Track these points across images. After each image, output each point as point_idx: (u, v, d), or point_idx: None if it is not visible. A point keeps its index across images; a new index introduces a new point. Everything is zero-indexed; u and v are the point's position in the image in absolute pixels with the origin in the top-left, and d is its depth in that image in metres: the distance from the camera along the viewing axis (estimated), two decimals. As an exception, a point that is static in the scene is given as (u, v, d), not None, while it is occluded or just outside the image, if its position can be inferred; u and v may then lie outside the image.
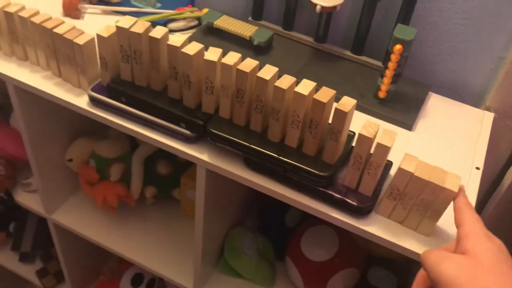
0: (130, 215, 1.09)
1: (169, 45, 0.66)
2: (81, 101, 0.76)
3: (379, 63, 0.88)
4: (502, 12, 0.79)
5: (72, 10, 0.91)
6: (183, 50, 0.65)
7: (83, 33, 0.74)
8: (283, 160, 0.65)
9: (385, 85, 0.79)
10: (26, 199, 1.11)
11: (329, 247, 0.91)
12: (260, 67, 0.64)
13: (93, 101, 0.75)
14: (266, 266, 0.97)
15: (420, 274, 0.53)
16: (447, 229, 0.64)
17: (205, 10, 0.94)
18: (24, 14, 0.76)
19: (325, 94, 0.61)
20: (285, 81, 0.62)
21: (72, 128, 1.00)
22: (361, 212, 0.64)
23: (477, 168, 0.74)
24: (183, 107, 0.71)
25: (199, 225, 0.82)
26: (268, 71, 0.63)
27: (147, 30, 0.68)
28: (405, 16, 0.81)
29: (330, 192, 0.64)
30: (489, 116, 0.84)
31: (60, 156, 1.00)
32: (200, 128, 0.69)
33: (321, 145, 0.66)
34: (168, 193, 1.05)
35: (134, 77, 0.73)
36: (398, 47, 0.73)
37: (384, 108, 0.80)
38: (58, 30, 0.74)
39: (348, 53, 0.90)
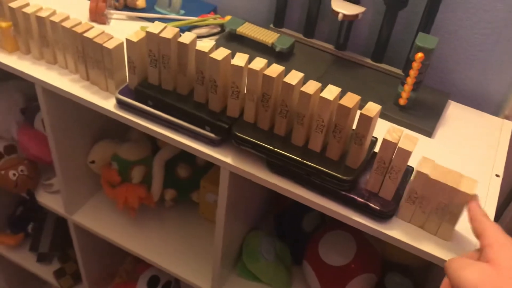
0: (149, 217, 1.11)
1: (198, 51, 0.68)
2: (109, 104, 0.78)
3: (399, 71, 0.89)
4: (523, 22, 0.80)
5: (98, 15, 0.94)
6: (211, 55, 0.67)
7: (112, 37, 0.76)
8: (306, 163, 0.66)
9: (406, 92, 0.80)
10: (47, 200, 1.13)
11: (346, 252, 0.91)
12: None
13: (120, 103, 0.77)
14: (283, 270, 0.98)
15: (444, 283, 0.54)
16: (466, 234, 0.65)
17: (228, 17, 0.96)
18: (55, 18, 0.79)
19: (350, 99, 0.62)
20: (311, 87, 0.64)
21: (95, 130, 1.02)
22: (383, 216, 0.65)
23: (497, 176, 0.75)
24: (209, 111, 0.73)
25: (219, 227, 0.83)
26: (294, 77, 0.65)
27: (176, 36, 0.70)
28: (426, 25, 0.83)
29: (352, 196, 0.65)
30: (508, 125, 0.85)
31: (82, 158, 1.02)
32: (225, 131, 0.71)
33: (345, 149, 0.67)
34: (187, 196, 1.06)
35: (161, 81, 0.75)
36: (420, 55, 0.75)
37: (405, 115, 0.81)
38: (88, 35, 0.76)
39: (368, 60, 0.91)
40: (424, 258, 0.64)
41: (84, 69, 0.81)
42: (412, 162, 0.65)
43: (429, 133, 0.80)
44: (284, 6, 0.96)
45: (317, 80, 0.65)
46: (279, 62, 0.88)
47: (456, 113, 0.86)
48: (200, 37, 0.95)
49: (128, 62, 0.74)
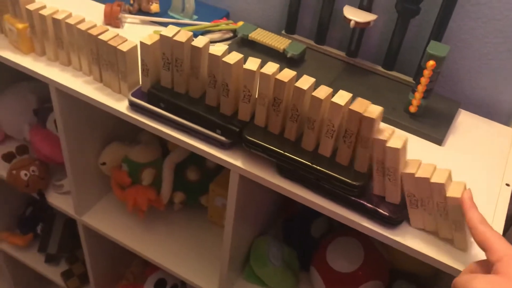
0: (158, 219, 1.11)
1: (210, 54, 0.69)
2: (121, 106, 0.79)
3: (410, 79, 0.89)
4: (535, 32, 0.81)
5: (113, 19, 0.95)
6: (224, 59, 0.68)
7: (126, 40, 0.77)
8: (316, 168, 0.66)
9: (416, 100, 0.80)
10: (57, 200, 1.14)
11: (354, 258, 0.91)
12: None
13: (133, 105, 0.78)
14: (291, 275, 0.98)
15: None
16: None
17: (240, 23, 0.97)
18: (71, 21, 0.80)
19: (361, 105, 0.62)
20: (322, 92, 0.64)
21: (105, 132, 1.03)
22: (392, 222, 0.65)
23: (507, 185, 0.74)
24: (220, 114, 0.73)
25: (228, 231, 0.83)
26: (305, 82, 0.65)
27: (190, 39, 0.71)
28: (437, 33, 0.83)
29: (362, 201, 0.66)
30: (519, 134, 0.85)
31: (93, 159, 1.03)
32: (236, 134, 0.72)
33: (354, 154, 0.67)
34: (196, 200, 1.07)
35: (174, 84, 0.76)
36: (431, 63, 0.75)
37: (415, 123, 0.81)
38: (102, 37, 0.77)
39: (379, 67, 0.91)
40: (434, 266, 0.63)
41: (98, 71, 0.82)
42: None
43: (439, 141, 0.80)
44: (296, 12, 0.96)
45: (328, 86, 0.65)
46: (290, 68, 0.89)
47: (466, 122, 0.86)
48: (212, 42, 0.96)
49: (142, 64, 0.75)
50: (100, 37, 0.77)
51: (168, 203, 1.05)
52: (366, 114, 0.61)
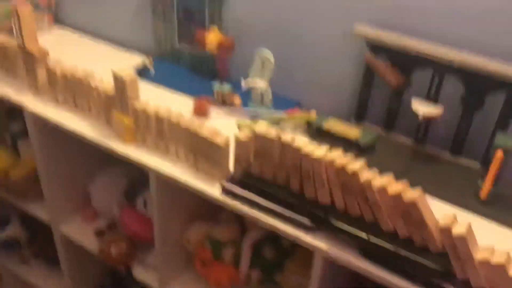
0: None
1: (296, 147, 0.79)
2: (215, 191, 0.89)
3: (477, 164, 0.95)
4: None
5: (202, 111, 1.08)
6: (310, 153, 0.77)
7: (219, 133, 0.89)
8: (400, 255, 0.73)
9: (486, 186, 0.86)
10: (143, 274, 1.22)
11: None
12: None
13: (225, 191, 0.88)
14: None
15: None
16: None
17: (313, 113, 1.07)
18: (173, 119, 0.92)
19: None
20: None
21: (191, 212, 1.13)
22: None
23: None
24: (305, 200, 0.82)
25: (309, 309, 0.88)
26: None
27: (278, 135, 0.81)
28: (504, 123, 0.89)
29: (445, 286, 0.70)
30: None
31: (178, 236, 1.13)
32: (320, 219, 0.79)
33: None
34: (272, 277, 1.12)
35: (263, 172, 0.85)
36: (499, 154, 0.81)
37: (486, 209, 0.86)
38: (202, 133, 0.88)
39: (447, 154, 0.98)
40: None
41: (193, 159, 0.93)
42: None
43: (515, 225, 0.84)
44: (366, 102, 1.06)
45: (400, 175, 0.73)
46: (362, 155, 0.97)
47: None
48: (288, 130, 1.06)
49: (235, 155, 0.86)
50: (199, 133, 0.89)
51: (245, 279, 1.11)
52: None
